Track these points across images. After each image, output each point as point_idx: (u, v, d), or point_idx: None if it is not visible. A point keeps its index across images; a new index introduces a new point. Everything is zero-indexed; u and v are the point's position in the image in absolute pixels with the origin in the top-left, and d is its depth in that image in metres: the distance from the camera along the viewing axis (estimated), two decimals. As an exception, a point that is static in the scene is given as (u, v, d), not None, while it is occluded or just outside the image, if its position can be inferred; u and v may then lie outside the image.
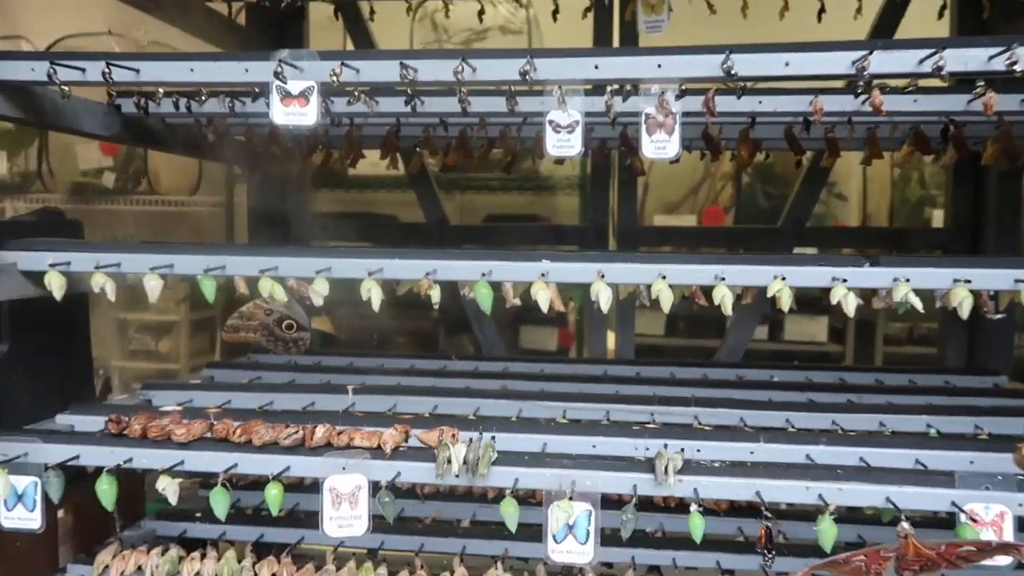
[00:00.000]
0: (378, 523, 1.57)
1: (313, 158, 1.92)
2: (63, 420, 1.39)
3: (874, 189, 3.92)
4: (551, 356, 3.38)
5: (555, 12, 1.86)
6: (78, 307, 1.76)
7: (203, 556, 1.41)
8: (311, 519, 1.61)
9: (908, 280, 1.11)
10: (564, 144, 1.25)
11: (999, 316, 1.23)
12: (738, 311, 2.23)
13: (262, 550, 1.46)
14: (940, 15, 1.78)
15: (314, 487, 1.69)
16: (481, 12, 1.96)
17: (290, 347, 1.54)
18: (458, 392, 1.61)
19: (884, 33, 2.03)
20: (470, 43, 3.77)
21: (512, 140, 1.74)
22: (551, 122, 1.23)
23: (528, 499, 1.27)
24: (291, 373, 1.82)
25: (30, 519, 1.21)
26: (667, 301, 1.14)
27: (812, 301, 3.47)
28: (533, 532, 1.34)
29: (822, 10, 1.74)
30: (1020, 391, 1.80)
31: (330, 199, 3.47)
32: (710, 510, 1.61)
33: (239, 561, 1.40)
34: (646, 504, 1.68)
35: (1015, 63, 0.96)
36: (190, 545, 1.46)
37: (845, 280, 1.12)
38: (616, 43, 2.11)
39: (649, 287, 1.15)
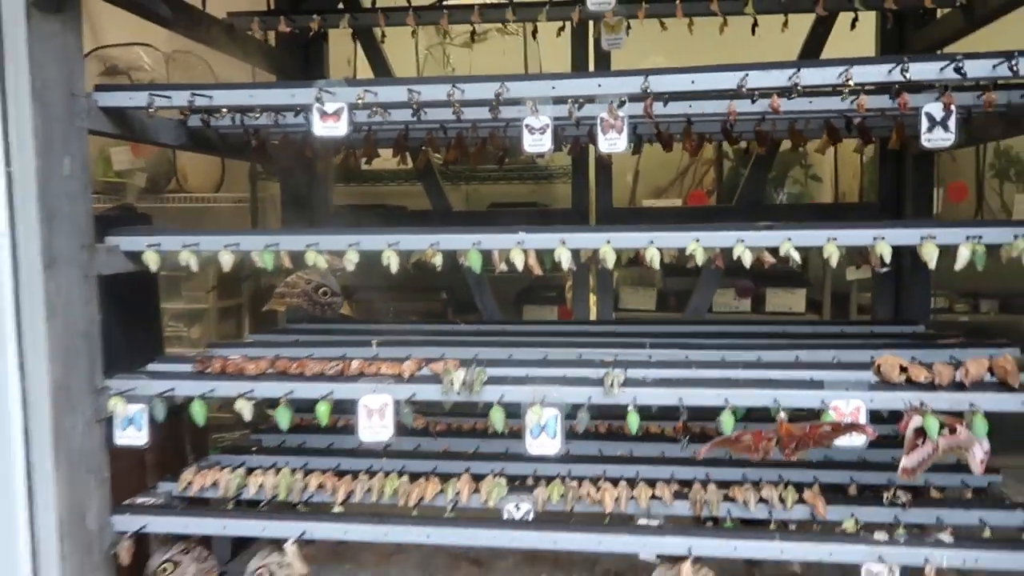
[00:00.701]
0: (399, 452, 1.97)
1: (336, 158, 2.31)
2: (154, 367, 1.79)
3: (845, 171, 4.24)
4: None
5: (535, 32, 2.23)
6: (151, 283, 2.17)
7: (263, 473, 1.81)
8: (345, 451, 2.02)
9: (790, 239, 1.49)
10: (538, 143, 1.63)
11: (884, 269, 1.60)
12: (700, 281, 2.61)
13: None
14: (852, 26, 2.14)
15: (346, 429, 2.10)
16: (473, 32, 2.33)
17: (325, 310, 1.93)
18: (462, 343, 1.99)
19: (815, 43, 2.40)
20: (469, 44, 4.14)
21: (500, 139, 2.12)
22: (527, 126, 1.62)
23: (519, 434, 1.65)
24: (324, 336, 2.22)
25: (138, 437, 1.62)
26: (611, 260, 1.53)
27: (791, 276, 3.81)
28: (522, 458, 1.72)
29: (755, 24, 2.10)
30: (928, 335, 2.18)
31: (348, 193, 3.85)
32: (671, 439, 2.01)
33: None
34: (618, 434, 2.07)
35: (850, 79, 1.34)
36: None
37: (743, 240, 1.50)
38: (591, 54, 2.48)
39: (598, 251, 1.53)
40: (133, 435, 1.61)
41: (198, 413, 1.57)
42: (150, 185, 4.17)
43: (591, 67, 2.42)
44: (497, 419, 1.51)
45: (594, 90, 1.47)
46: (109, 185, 4.17)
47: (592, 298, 4.30)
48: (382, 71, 2.62)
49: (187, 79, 3.68)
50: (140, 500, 1.77)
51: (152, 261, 1.63)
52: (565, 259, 1.54)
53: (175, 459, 2.15)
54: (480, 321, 2.69)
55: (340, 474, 1.83)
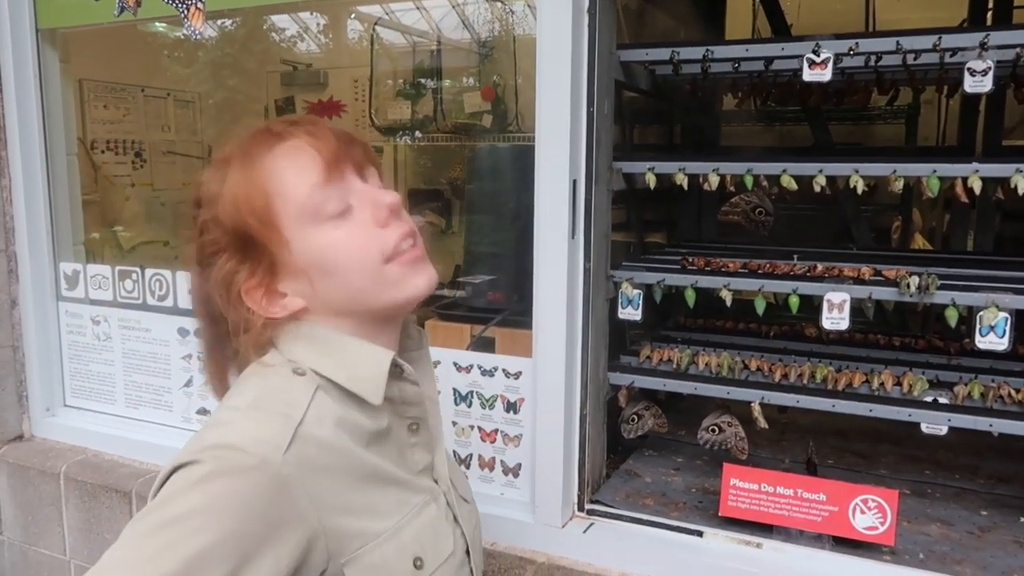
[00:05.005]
0: (806, 352, 2.33)
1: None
2: (643, 264, 2.31)
3: None
4: None
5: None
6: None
7: (707, 354, 2.28)
8: (766, 348, 2.43)
9: None
10: (978, 84, 1.87)
11: None
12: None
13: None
14: None
15: (751, 333, 2.51)
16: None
17: (758, 227, 2.33)
18: (872, 260, 2.31)
19: None
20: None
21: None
22: (969, 68, 1.86)
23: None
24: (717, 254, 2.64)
25: (634, 314, 2.13)
26: None
27: None
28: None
29: None
30: None
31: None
32: None
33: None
34: None
35: None
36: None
37: None
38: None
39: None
40: (631, 312, 2.13)
41: (690, 298, 2.05)
42: (494, 125, 4.86)
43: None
44: (952, 316, 1.82)
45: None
46: (460, 125, 4.92)
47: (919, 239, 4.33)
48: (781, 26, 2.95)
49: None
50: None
51: (651, 180, 2.12)
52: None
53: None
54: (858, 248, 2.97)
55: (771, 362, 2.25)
